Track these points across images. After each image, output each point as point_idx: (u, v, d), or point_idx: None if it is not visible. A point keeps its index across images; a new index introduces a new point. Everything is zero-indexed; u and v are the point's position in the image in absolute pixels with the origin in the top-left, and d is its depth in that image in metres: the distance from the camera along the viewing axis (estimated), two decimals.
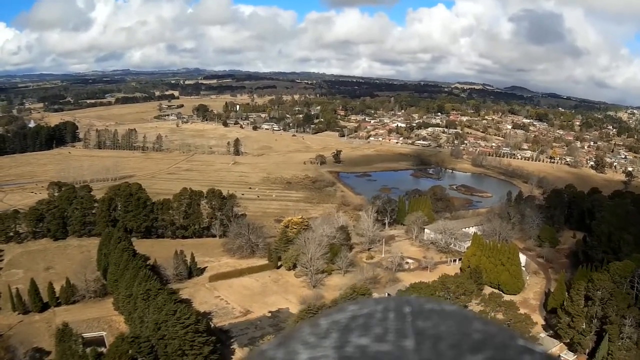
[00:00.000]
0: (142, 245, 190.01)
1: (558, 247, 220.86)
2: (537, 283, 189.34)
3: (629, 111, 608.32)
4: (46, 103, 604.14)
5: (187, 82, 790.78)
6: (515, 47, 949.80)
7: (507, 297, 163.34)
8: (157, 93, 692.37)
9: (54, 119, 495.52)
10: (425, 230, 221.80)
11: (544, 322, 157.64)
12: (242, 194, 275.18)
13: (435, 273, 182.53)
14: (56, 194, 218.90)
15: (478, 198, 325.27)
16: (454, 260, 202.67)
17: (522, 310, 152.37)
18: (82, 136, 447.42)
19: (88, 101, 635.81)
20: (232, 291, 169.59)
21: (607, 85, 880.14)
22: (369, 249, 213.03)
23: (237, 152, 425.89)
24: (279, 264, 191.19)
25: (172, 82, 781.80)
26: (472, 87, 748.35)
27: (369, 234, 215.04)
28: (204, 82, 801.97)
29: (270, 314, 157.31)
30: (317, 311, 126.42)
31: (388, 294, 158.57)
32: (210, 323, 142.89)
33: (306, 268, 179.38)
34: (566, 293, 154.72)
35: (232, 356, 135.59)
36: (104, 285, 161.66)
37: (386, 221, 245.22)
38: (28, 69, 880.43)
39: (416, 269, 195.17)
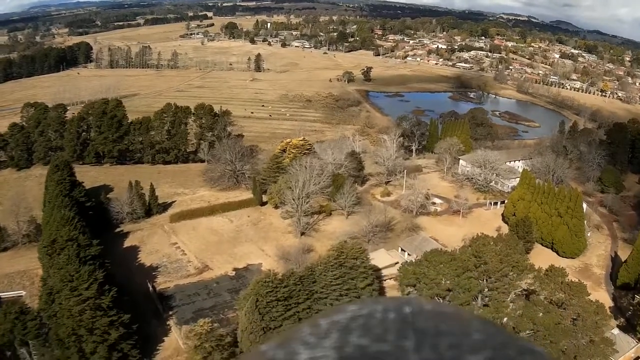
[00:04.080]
0: (110, 174, 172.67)
1: (622, 193, 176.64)
2: (601, 242, 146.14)
3: None
4: (72, 28, 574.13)
5: (225, 4, 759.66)
6: None
7: (563, 262, 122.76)
8: (191, 14, 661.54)
9: (75, 43, 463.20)
10: (461, 161, 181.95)
11: (612, 304, 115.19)
12: (252, 112, 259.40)
13: (469, 220, 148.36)
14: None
15: (524, 127, 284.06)
16: (495, 204, 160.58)
17: (583, 282, 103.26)
18: (95, 56, 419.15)
19: (116, 24, 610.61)
20: (195, 236, 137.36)
21: None
22: (387, 183, 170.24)
23: (258, 69, 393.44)
24: (264, 199, 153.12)
25: (210, 4, 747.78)
26: (517, 17, 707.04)
27: (388, 162, 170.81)
28: (242, 4, 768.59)
29: (234, 273, 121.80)
30: (281, 283, 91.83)
31: (401, 249, 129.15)
32: (150, 285, 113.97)
33: (292, 207, 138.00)
34: None
35: (164, 337, 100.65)
36: (39, 227, 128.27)
37: (413, 148, 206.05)
38: None
39: (444, 213, 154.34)
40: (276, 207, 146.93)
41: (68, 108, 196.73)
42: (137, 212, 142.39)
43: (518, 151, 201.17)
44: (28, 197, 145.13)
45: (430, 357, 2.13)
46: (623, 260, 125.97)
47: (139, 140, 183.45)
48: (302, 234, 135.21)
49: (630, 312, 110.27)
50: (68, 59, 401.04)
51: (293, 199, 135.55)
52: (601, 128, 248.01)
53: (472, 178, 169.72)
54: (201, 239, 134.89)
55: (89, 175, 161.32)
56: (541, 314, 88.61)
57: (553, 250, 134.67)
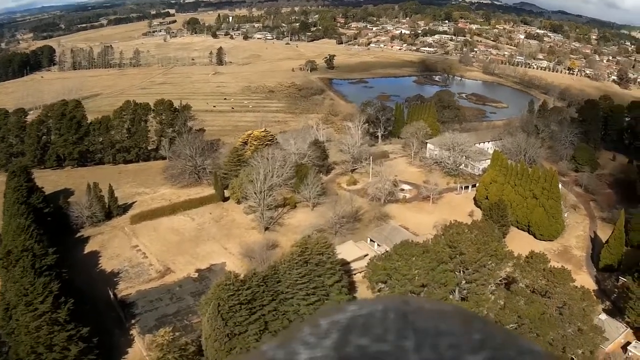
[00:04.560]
0: (72, 177, 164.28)
1: (597, 172, 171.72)
2: (579, 223, 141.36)
3: None
4: (36, 32, 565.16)
5: (188, 1, 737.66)
6: None
7: (541, 245, 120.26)
8: (153, 12, 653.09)
9: (38, 47, 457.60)
10: (428, 145, 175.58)
11: (595, 287, 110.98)
12: (214, 106, 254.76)
13: (440, 206, 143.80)
14: None
15: (492, 108, 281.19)
16: (466, 187, 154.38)
17: (564, 266, 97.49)
18: (58, 59, 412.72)
19: (79, 26, 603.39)
20: (156, 237, 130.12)
21: (618, 6, 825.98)
22: (352, 171, 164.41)
23: (220, 62, 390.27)
24: (227, 194, 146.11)
25: (172, 2, 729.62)
26: (480, 1, 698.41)
27: (353, 150, 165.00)
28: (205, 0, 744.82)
29: (197, 274, 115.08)
30: (243, 285, 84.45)
31: (370, 240, 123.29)
32: (110, 292, 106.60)
33: (254, 202, 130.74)
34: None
35: (128, 349, 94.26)
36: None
37: (379, 134, 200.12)
38: (30, 4, 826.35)
39: (414, 199, 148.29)
40: (239, 202, 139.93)
41: (29, 112, 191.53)
42: (97, 215, 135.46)
43: (487, 132, 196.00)
44: None
45: (430, 357, 2.12)
46: (604, 241, 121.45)
47: (99, 140, 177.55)
48: (266, 229, 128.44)
49: (615, 295, 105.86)
50: (32, 63, 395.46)
51: (255, 193, 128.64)
52: (571, 106, 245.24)
53: (441, 162, 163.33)
54: (162, 240, 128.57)
55: (49, 180, 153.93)
56: (523, 303, 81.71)
57: (530, 234, 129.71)
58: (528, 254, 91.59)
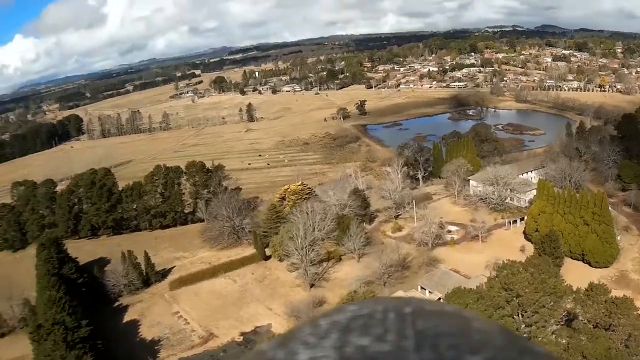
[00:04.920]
0: (107, 245, 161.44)
1: None
2: (633, 245, 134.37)
3: None
4: (62, 102, 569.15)
5: (211, 60, 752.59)
6: None
7: (597, 273, 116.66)
8: (179, 74, 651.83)
9: (65, 117, 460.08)
10: (471, 182, 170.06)
11: None
12: (249, 164, 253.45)
13: (490, 244, 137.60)
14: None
15: (530, 137, 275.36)
16: (514, 222, 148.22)
17: (623, 293, 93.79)
18: (86, 128, 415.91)
19: (105, 93, 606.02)
20: (197, 302, 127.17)
21: (637, 15, 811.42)
22: (396, 217, 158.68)
23: (251, 119, 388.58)
24: (268, 253, 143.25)
25: (197, 62, 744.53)
26: (502, 29, 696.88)
27: (394, 195, 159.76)
28: (229, 57, 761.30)
29: (241, 338, 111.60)
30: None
31: (421, 288, 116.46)
32: None
33: (297, 258, 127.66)
34: None
35: None
36: (34, 310, 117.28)
37: (420, 175, 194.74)
38: (52, 75, 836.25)
39: (462, 240, 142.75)
40: (281, 259, 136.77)
41: (58, 183, 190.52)
42: (135, 283, 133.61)
43: (529, 162, 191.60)
44: (24, 279, 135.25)
45: (430, 358, 2.09)
46: None
47: (132, 207, 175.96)
48: (312, 285, 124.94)
49: None
50: (60, 133, 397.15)
51: (296, 250, 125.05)
52: (608, 124, 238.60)
53: (486, 198, 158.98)
54: (204, 304, 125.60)
55: (84, 250, 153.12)
56: (587, 341, 77.27)
57: (584, 262, 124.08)
58: (587, 286, 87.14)
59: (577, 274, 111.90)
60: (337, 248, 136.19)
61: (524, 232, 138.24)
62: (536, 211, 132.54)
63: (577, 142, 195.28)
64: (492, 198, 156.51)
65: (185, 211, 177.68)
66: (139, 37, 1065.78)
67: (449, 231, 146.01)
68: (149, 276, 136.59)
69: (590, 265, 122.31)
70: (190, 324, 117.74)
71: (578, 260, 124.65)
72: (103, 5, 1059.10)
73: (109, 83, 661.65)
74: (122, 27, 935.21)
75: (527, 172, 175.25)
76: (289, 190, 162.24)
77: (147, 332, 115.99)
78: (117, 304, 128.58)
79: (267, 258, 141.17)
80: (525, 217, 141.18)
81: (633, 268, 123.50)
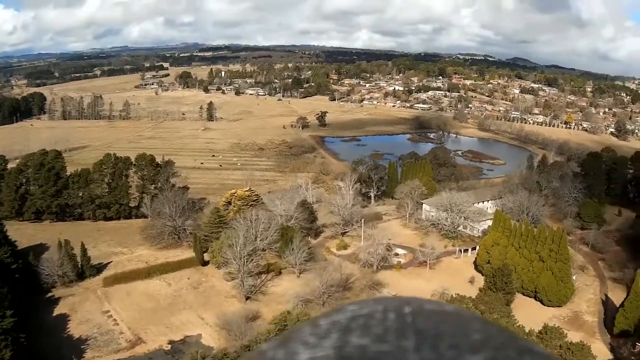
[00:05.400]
0: (49, 231, 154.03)
1: (604, 228, 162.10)
2: (588, 285, 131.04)
3: (636, 81, 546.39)
4: (30, 79, 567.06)
5: (182, 54, 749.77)
6: (518, 16, 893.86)
7: (549, 312, 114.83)
8: (147, 65, 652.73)
9: (29, 93, 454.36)
10: (424, 205, 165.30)
11: (610, 355, 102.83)
12: (202, 163, 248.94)
13: (438, 272, 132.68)
14: None
15: (489, 165, 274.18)
16: (465, 251, 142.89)
17: (575, 335, 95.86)
18: (48, 108, 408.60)
19: (73, 75, 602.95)
20: (129, 302, 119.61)
21: (611, 58, 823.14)
22: (343, 234, 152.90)
23: (210, 118, 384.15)
24: (207, 258, 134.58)
25: (167, 55, 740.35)
26: (474, 57, 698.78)
27: (344, 211, 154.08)
28: (199, 54, 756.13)
29: (169, 347, 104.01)
30: None
31: None
32: None
33: (234, 267, 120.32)
34: None
35: None
36: None
37: (372, 194, 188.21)
38: (27, 49, 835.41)
39: (409, 265, 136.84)
40: (219, 267, 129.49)
41: (10, 160, 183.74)
42: (69, 275, 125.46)
43: (486, 191, 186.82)
44: None
45: (430, 357, 2.10)
46: (618, 305, 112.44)
47: (78, 194, 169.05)
48: (247, 298, 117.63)
49: None
50: (22, 109, 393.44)
51: (234, 258, 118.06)
52: (571, 160, 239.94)
53: (438, 223, 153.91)
54: (135, 306, 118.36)
55: (26, 233, 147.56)
56: None
57: (537, 300, 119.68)
58: (542, 329, 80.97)
59: (528, 312, 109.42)
60: (278, 260, 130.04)
61: (475, 263, 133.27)
62: (490, 242, 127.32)
63: (538, 176, 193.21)
64: (444, 224, 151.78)
65: (131, 205, 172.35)
66: (115, 21, 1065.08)
67: (397, 254, 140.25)
68: (84, 269, 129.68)
69: (543, 304, 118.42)
70: (119, 325, 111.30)
71: (530, 297, 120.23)
72: None
73: (78, 65, 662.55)
74: (100, 10, 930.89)
75: (483, 202, 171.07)
76: (235, 195, 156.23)
77: (75, 329, 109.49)
78: (49, 294, 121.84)
79: (205, 263, 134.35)
80: (478, 247, 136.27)
81: (587, 309, 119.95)
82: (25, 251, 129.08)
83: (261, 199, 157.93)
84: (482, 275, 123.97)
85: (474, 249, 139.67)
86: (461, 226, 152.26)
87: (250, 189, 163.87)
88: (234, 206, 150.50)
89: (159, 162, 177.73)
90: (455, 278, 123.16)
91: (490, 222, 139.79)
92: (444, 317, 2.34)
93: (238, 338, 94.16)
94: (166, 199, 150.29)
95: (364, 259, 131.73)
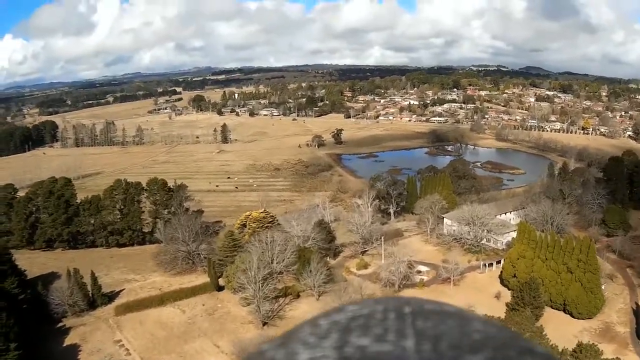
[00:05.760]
0: (61, 260, 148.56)
1: (630, 234, 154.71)
2: (618, 295, 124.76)
3: None
4: (42, 108, 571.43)
5: (194, 79, 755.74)
6: (528, 25, 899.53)
7: (579, 325, 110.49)
8: (160, 90, 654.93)
9: (41, 122, 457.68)
10: (445, 220, 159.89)
11: None
12: (217, 185, 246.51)
13: (463, 288, 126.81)
14: None
15: (509, 175, 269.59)
16: (490, 265, 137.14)
17: (608, 347, 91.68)
18: (60, 135, 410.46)
19: (85, 102, 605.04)
20: (142, 331, 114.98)
21: (622, 61, 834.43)
22: (363, 253, 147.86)
23: (225, 140, 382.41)
24: (222, 283, 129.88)
25: (180, 80, 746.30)
26: (487, 68, 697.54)
27: (363, 230, 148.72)
28: (212, 77, 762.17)
29: None
30: None
31: None
32: None
33: (248, 293, 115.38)
34: None
35: None
36: None
37: (391, 210, 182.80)
38: (38, 79, 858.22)
39: (432, 282, 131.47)
40: (235, 292, 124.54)
41: (20, 189, 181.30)
42: (79, 304, 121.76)
43: (508, 202, 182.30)
44: None
45: (430, 357, 2.08)
46: None
47: (90, 221, 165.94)
48: (265, 323, 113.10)
49: None
50: (34, 138, 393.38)
51: (249, 283, 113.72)
52: (591, 166, 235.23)
53: (461, 238, 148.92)
54: (148, 335, 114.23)
55: (37, 262, 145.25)
56: None
57: (566, 313, 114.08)
58: (575, 347, 75.81)
59: (557, 326, 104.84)
60: (295, 283, 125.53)
61: (500, 277, 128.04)
62: (515, 255, 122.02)
63: (560, 184, 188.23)
64: (467, 238, 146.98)
65: (144, 230, 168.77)
66: (125, 49, 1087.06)
67: (419, 272, 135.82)
68: (94, 298, 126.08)
69: (572, 316, 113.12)
70: (131, 355, 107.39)
71: (559, 310, 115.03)
72: (93, 13, 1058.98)
73: (90, 92, 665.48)
74: (110, 37, 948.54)
75: (505, 213, 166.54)
76: (250, 217, 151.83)
77: None
78: (60, 324, 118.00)
79: (220, 288, 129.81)
80: (502, 261, 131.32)
81: (618, 320, 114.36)
82: (35, 281, 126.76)
83: (277, 220, 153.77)
84: (509, 289, 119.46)
85: (498, 262, 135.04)
86: (484, 239, 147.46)
87: (265, 210, 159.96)
88: (248, 229, 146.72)
89: (172, 187, 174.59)
90: (481, 294, 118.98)
91: (513, 234, 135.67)
92: (444, 317, 2.32)
93: None
94: (179, 224, 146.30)
95: (385, 278, 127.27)
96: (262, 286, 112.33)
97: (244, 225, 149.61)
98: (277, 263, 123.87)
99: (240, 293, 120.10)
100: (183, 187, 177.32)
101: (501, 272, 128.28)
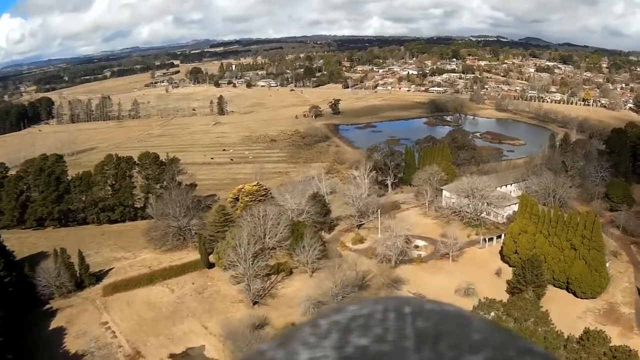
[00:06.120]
0: (52, 239, 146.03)
1: (634, 208, 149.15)
2: (622, 273, 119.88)
3: None
4: (39, 85, 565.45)
5: (193, 52, 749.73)
6: None
7: (583, 305, 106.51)
8: (157, 63, 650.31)
9: (37, 99, 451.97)
10: (444, 192, 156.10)
11: None
12: (212, 158, 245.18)
13: (462, 264, 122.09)
14: None
15: (509, 146, 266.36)
16: (490, 240, 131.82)
17: (613, 330, 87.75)
18: (56, 112, 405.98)
19: (82, 78, 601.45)
20: (129, 312, 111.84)
21: (623, 33, 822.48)
22: (359, 226, 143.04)
23: (221, 112, 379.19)
24: (212, 260, 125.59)
25: (178, 53, 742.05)
26: (486, 38, 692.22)
27: (358, 202, 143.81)
28: (210, 50, 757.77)
29: None
30: None
31: None
32: None
33: (238, 271, 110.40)
34: None
35: None
36: None
37: (389, 182, 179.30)
38: (36, 57, 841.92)
39: (430, 258, 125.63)
40: (225, 269, 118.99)
41: (13, 167, 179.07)
42: (66, 285, 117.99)
43: (509, 174, 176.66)
44: None
45: (430, 357, 2.11)
46: None
47: (81, 198, 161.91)
48: (255, 302, 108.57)
49: None
50: (30, 115, 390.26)
51: (238, 260, 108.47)
52: (593, 138, 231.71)
53: (460, 211, 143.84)
54: (135, 316, 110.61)
55: (28, 242, 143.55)
56: None
57: (569, 292, 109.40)
58: (582, 334, 70.65)
59: (560, 306, 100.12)
60: (288, 259, 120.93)
61: (501, 253, 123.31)
62: (517, 230, 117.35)
63: (561, 155, 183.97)
64: (466, 211, 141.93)
65: (137, 206, 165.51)
66: (123, 23, 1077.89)
67: (416, 246, 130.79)
68: (82, 278, 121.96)
69: (576, 296, 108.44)
70: (117, 338, 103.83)
71: (562, 288, 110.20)
72: None
73: (88, 68, 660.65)
74: (107, 13, 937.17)
75: (506, 185, 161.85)
76: (243, 190, 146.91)
77: (71, 344, 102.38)
78: (47, 306, 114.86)
79: (211, 266, 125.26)
80: (503, 235, 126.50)
81: (623, 300, 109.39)
82: (24, 261, 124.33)
83: (270, 193, 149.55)
84: (510, 266, 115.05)
85: (499, 237, 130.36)
86: (484, 213, 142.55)
87: (258, 183, 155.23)
88: (241, 202, 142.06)
89: (164, 160, 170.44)
90: (481, 270, 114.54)
91: (514, 207, 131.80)
92: (444, 317, 2.35)
93: (244, 348, 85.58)
94: (169, 198, 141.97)
95: (381, 253, 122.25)
96: (252, 263, 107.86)
97: (237, 199, 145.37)
98: (269, 238, 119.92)
99: (231, 270, 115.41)
100: (175, 161, 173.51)
101: (502, 247, 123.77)
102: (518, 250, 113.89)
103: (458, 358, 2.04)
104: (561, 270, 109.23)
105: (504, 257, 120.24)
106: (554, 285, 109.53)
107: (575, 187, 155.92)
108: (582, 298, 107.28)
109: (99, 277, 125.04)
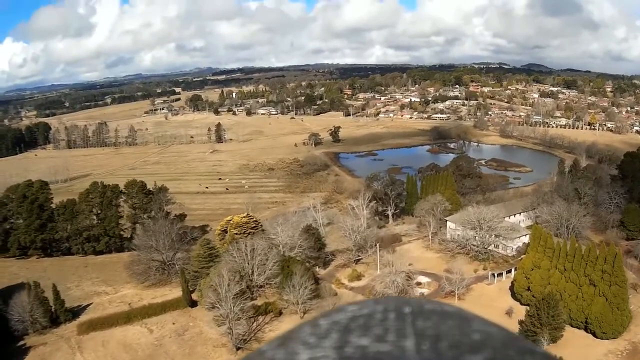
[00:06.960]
0: (34, 269, 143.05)
1: None
2: None
3: None
4: (40, 110, 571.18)
5: (195, 79, 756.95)
6: (530, 22, 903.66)
7: (603, 346, 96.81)
8: (159, 91, 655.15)
9: (34, 123, 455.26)
10: (448, 223, 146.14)
11: None
12: (207, 187, 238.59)
13: (469, 303, 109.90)
14: None
15: (515, 173, 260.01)
16: (499, 275, 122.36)
17: None
18: (52, 137, 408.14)
19: (83, 104, 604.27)
20: (103, 354, 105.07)
21: (624, 58, 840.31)
22: (356, 261, 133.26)
23: (219, 140, 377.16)
24: (195, 297, 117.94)
25: (180, 80, 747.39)
26: (488, 65, 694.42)
27: (355, 236, 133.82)
28: (212, 77, 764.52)
29: None
30: None
31: None
32: None
33: (220, 312, 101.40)
34: None
35: None
36: None
37: (389, 212, 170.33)
38: (39, 81, 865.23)
39: (434, 295, 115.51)
40: (209, 308, 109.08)
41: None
42: (40, 321, 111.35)
43: (517, 202, 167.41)
44: None
45: (430, 357, 2.09)
46: None
47: (65, 227, 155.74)
48: (238, 348, 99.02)
49: None
50: (27, 140, 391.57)
51: (218, 301, 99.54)
52: (603, 163, 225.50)
53: (466, 244, 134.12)
54: (110, 358, 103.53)
55: (9, 272, 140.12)
56: None
57: (588, 332, 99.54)
58: None
59: (579, 349, 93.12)
60: (278, 299, 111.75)
61: (511, 289, 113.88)
62: (529, 265, 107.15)
63: (572, 182, 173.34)
64: (473, 244, 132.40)
65: (123, 236, 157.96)
66: (126, 50, 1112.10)
67: (419, 283, 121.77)
68: (57, 314, 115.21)
69: (595, 336, 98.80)
70: None
71: (579, 328, 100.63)
72: (92, 15, 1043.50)
73: (89, 94, 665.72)
74: (110, 39, 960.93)
75: (514, 215, 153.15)
76: (231, 222, 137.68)
77: None
78: (21, 342, 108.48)
79: (194, 304, 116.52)
80: (513, 270, 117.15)
81: None
82: (6, 291, 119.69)
83: (261, 225, 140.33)
84: (522, 304, 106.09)
85: (508, 272, 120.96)
86: (492, 245, 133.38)
87: (248, 214, 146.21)
88: (229, 236, 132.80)
89: (151, 189, 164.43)
90: (490, 310, 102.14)
91: (525, 239, 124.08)
92: (444, 317, 2.32)
93: None
94: (154, 229, 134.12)
95: (380, 291, 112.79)
96: (234, 305, 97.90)
97: (225, 231, 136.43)
98: (257, 275, 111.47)
99: (215, 310, 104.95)
100: (164, 190, 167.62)
101: (512, 283, 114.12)
102: (531, 287, 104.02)
103: (458, 358, 2.03)
104: (579, 309, 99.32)
105: (515, 295, 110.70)
106: (571, 325, 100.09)
107: (590, 215, 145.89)
108: (602, 338, 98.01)
109: (76, 312, 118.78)
